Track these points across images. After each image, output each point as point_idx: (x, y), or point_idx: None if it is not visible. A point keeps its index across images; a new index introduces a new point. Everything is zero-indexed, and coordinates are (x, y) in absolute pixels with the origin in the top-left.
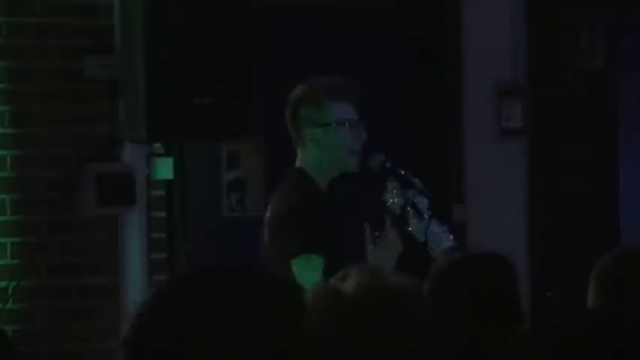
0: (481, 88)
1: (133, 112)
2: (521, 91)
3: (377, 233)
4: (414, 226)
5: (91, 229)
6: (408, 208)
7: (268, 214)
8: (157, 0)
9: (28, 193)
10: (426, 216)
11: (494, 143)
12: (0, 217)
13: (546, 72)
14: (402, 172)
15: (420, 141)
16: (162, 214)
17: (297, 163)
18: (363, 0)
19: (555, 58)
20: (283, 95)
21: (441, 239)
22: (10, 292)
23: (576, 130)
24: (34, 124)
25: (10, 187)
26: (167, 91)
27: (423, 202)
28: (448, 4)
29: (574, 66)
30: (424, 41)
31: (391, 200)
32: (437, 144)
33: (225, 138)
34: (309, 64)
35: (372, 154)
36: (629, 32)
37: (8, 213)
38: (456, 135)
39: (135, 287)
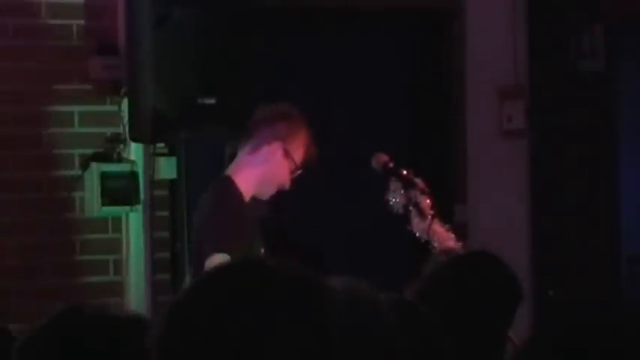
0: (483, 89)
1: (137, 112)
2: (523, 92)
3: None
4: (416, 226)
5: (95, 229)
6: (411, 208)
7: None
8: (162, 1)
9: (31, 192)
10: (428, 216)
11: (496, 144)
12: (3, 217)
13: (548, 73)
14: (405, 172)
15: (422, 141)
16: (166, 213)
17: (230, 171)
18: (363, 1)
19: (556, 60)
20: (286, 95)
21: (443, 239)
22: (13, 292)
23: (577, 131)
24: (38, 124)
25: (13, 186)
26: (171, 91)
27: (425, 202)
28: (449, 5)
29: (575, 67)
30: (425, 42)
31: (393, 200)
32: (439, 145)
33: (228, 138)
34: (311, 65)
35: (374, 154)
36: (630, 33)
37: (11, 213)
38: (458, 136)
39: (138, 287)
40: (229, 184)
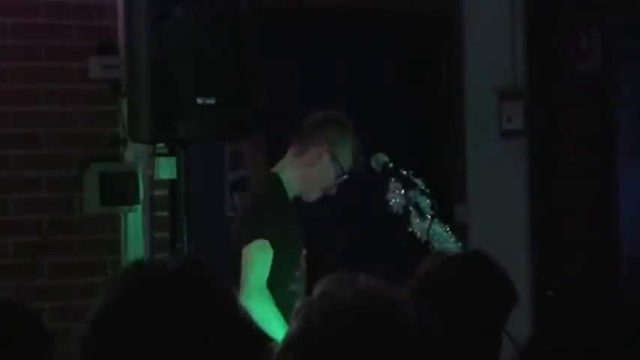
0: (482, 90)
1: (137, 111)
2: (522, 93)
3: None
4: (416, 226)
5: (94, 229)
6: (411, 208)
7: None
8: (161, 0)
9: (31, 192)
10: (428, 216)
11: (495, 144)
12: (2, 217)
13: (546, 74)
14: (404, 173)
15: (422, 142)
16: (166, 213)
17: (276, 169)
18: (363, 1)
19: (555, 61)
20: (286, 95)
21: (443, 239)
22: (13, 292)
23: (575, 132)
24: (38, 123)
25: (13, 186)
26: (170, 90)
27: (424, 203)
28: (449, 6)
29: (573, 68)
30: (425, 44)
31: (393, 200)
32: (439, 145)
33: (228, 138)
34: (311, 65)
35: (374, 155)
36: (627, 34)
37: (11, 212)
38: (457, 136)
39: None
40: (274, 180)
